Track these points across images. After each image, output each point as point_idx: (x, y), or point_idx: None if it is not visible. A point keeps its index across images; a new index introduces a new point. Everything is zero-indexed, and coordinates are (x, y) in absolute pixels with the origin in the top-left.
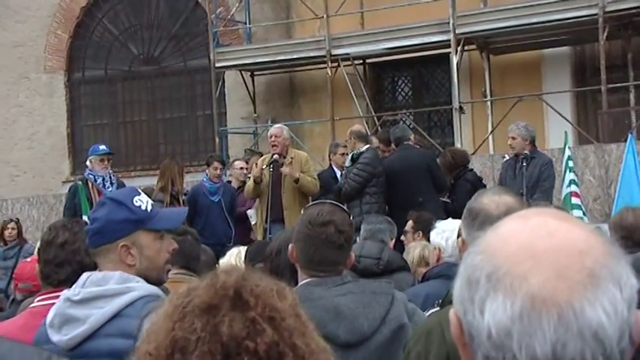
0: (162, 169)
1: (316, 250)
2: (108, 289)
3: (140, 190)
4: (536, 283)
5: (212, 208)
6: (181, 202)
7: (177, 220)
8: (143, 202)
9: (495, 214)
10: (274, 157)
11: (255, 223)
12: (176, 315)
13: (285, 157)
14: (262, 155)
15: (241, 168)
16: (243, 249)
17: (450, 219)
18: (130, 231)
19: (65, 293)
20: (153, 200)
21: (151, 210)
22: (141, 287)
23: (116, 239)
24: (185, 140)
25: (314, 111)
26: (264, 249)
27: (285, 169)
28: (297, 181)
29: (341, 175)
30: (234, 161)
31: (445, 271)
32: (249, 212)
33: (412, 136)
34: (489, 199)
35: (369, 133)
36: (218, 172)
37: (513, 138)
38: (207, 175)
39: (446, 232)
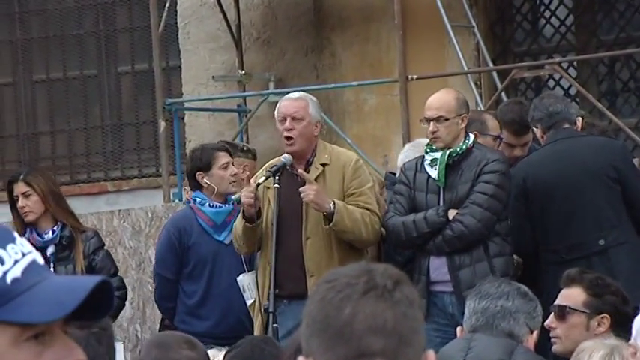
0: None
1: (355, 311)
2: None
3: (15, 235)
4: None
5: (221, 259)
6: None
7: (63, 307)
8: (5, 261)
9: None
10: (283, 158)
11: (254, 302)
12: None
13: (310, 163)
14: (251, 154)
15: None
16: (220, 353)
17: None
18: None
19: None
20: None
21: (12, 281)
22: None
23: None
24: (96, 126)
25: (364, 62)
26: (267, 353)
27: (307, 192)
28: (330, 218)
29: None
30: None
31: None
32: (241, 279)
33: (579, 118)
34: None
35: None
36: (228, 174)
37: None
38: (190, 190)
39: None
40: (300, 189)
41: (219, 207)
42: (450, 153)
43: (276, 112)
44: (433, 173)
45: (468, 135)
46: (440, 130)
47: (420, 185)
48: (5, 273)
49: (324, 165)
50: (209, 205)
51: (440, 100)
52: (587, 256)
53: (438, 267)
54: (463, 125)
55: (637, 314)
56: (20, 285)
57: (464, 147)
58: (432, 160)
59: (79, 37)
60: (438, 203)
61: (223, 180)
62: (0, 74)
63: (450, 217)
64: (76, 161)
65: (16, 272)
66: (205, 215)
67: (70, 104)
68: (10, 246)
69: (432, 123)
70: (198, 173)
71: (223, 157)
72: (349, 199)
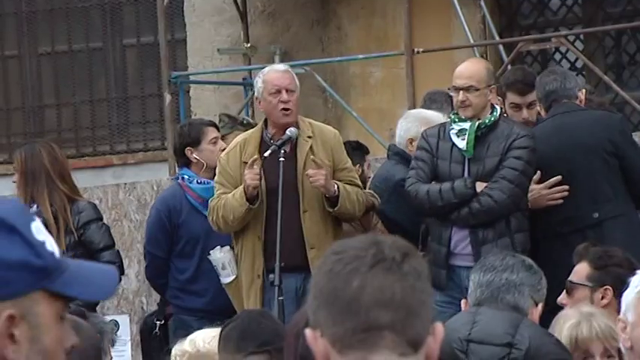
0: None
1: (362, 284)
2: None
3: (32, 212)
4: None
5: (213, 235)
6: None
7: (104, 290)
8: (45, 235)
9: None
10: (289, 131)
11: (234, 281)
12: None
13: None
14: (251, 127)
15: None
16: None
17: None
18: (25, 287)
19: None
20: None
21: (59, 256)
22: None
23: None
24: (101, 99)
25: (370, 35)
26: (264, 327)
27: (318, 177)
28: (335, 202)
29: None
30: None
31: None
32: (221, 256)
33: (582, 90)
34: None
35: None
36: (217, 149)
37: None
38: (178, 167)
39: None
40: (307, 172)
41: (208, 183)
42: (478, 124)
43: (263, 84)
44: (461, 144)
45: (495, 107)
46: (469, 99)
47: (443, 153)
48: (53, 247)
49: (310, 137)
50: (197, 181)
51: (470, 69)
52: (582, 230)
53: (461, 240)
54: (491, 96)
55: None
56: (62, 261)
57: (492, 119)
58: (459, 130)
59: (84, 9)
60: (462, 173)
61: (213, 154)
62: (5, 46)
63: (478, 190)
64: (81, 134)
65: (54, 247)
66: (194, 192)
67: (75, 77)
68: (35, 222)
69: (461, 92)
70: (187, 148)
71: (212, 132)
72: (340, 174)
